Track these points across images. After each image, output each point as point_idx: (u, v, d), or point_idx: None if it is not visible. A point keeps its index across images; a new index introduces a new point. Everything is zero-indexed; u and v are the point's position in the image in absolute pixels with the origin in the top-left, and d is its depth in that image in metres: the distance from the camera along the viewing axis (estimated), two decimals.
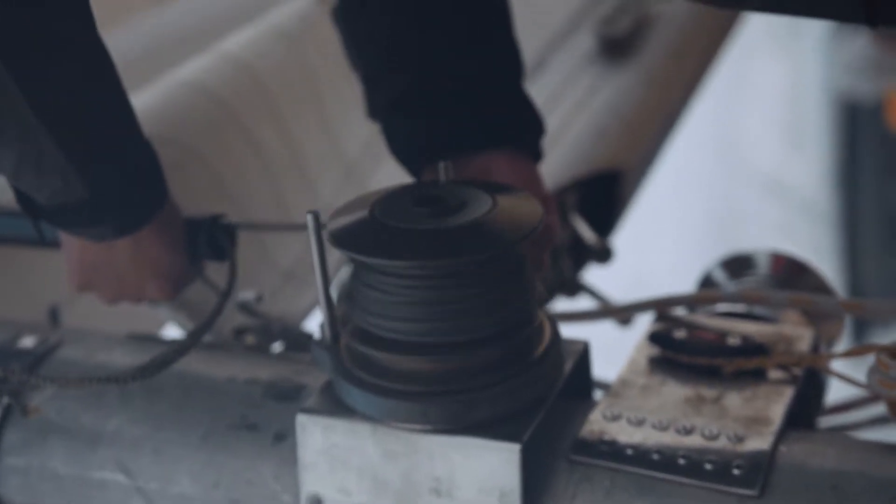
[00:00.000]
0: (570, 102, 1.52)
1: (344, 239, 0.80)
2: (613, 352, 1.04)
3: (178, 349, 0.90)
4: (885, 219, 3.13)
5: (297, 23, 1.40)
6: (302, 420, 0.83)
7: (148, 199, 0.90)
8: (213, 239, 0.97)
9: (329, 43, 1.29)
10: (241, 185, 1.25)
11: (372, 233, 0.80)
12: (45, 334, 1.00)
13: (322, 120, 1.39)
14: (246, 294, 1.05)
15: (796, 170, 3.34)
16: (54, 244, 0.96)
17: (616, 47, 1.65)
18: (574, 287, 1.24)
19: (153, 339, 1.02)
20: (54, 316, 1.12)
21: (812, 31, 3.20)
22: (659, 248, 3.05)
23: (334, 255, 0.92)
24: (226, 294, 0.95)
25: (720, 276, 1.09)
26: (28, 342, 0.97)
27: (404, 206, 0.82)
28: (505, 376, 0.80)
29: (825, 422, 1.08)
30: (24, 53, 0.79)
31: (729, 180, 3.41)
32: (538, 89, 1.51)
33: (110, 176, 0.86)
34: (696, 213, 3.32)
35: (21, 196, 0.88)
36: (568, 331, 0.90)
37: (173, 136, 1.19)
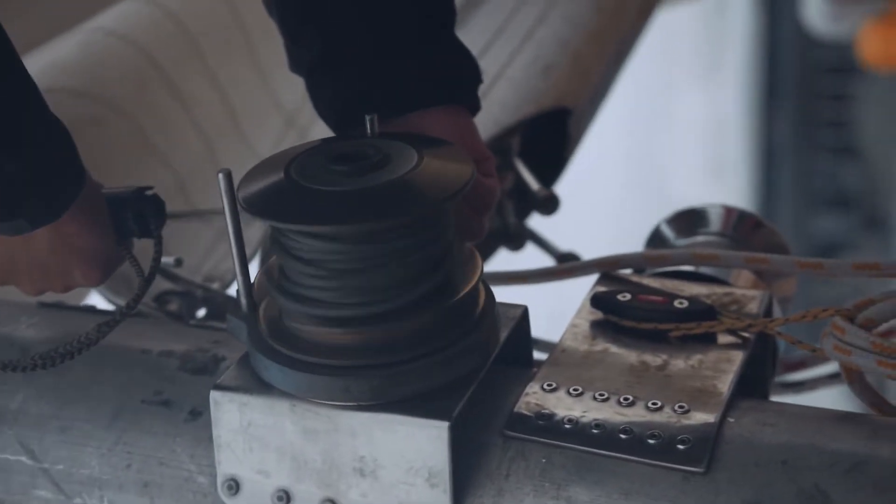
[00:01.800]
0: (513, 34, 1.44)
1: (254, 201, 0.74)
2: (559, 306, 0.99)
3: (86, 339, 0.83)
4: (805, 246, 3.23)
5: None
6: (216, 396, 0.77)
7: (63, 184, 0.80)
8: (139, 215, 0.87)
9: None
10: (168, 141, 1.18)
11: (285, 194, 0.74)
12: None
13: (256, 69, 1.32)
14: (166, 258, 0.98)
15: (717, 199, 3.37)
16: None
17: None
18: (518, 237, 1.18)
19: (64, 309, 0.95)
20: None
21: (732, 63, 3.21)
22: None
23: None
24: (150, 278, 0.86)
25: (669, 232, 1.04)
26: None
27: (322, 164, 0.75)
28: (433, 348, 0.74)
29: (778, 380, 1.04)
30: None
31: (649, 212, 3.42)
32: (477, 21, 1.43)
33: (15, 166, 0.76)
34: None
35: None
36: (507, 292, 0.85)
37: (91, 89, 1.12)
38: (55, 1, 1.23)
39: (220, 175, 0.75)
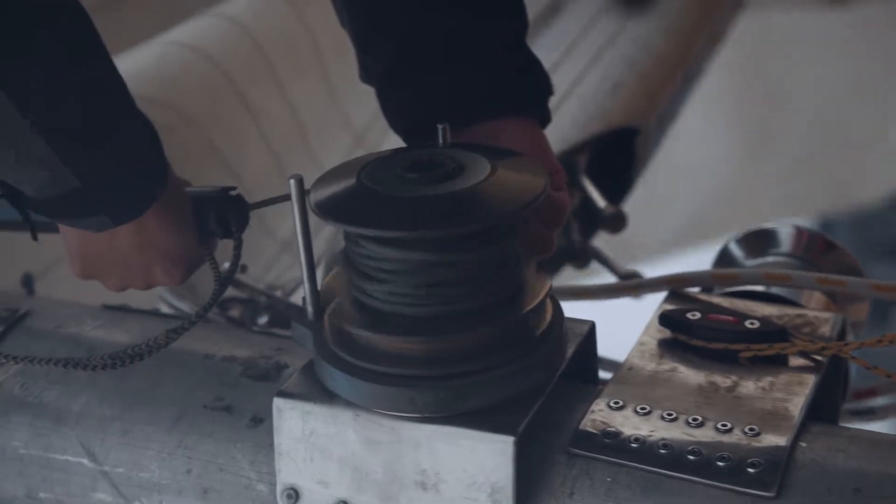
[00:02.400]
0: (583, 54, 1.44)
1: (326, 206, 0.73)
2: (622, 327, 0.97)
3: (155, 343, 0.82)
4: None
5: None
6: (279, 404, 0.76)
7: (147, 182, 0.80)
8: (222, 216, 0.85)
9: (331, 6, 1.22)
10: (235, 152, 1.18)
11: (357, 200, 0.73)
12: (14, 303, 0.93)
13: (326, 86, 1.32)
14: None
15: None
16: (51, 229, 0.87)
17: None
18: (584, 256, 1.16)
19: (128, 311, 0.95)
20: (28, 283, 1.06)
21: None
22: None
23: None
24: (226, 281, 0.85)
25: (738, 252, 1.02)
26: None
27: (395, 172, 0.74)
28: (500, 361, 0.73)
29: (847, 406, 1.01)
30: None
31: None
32: (549, 39, 1.43)
33: (102, 162, 0.77)
34: None
35: (7, 188, 0.79)
36: (572, 307, 0.83)
37: (164, 97, 1.13)
38: (136, 12, 1.24)
39: (292, 180, 0.74)
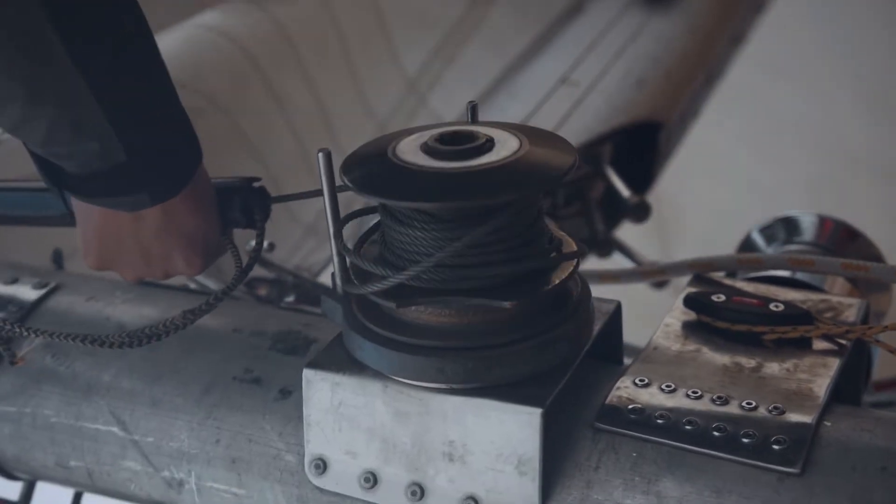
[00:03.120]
0: (606, 50, 1.45)
1: (356, 179, 0.74)
2: (646, 314, 0.98)
3: (173, 324, 0.82)
4: None
5: None
6: (308, 375, 0.77)
7: (187, 160, 0.81)
8: (246, 206, 0.86)
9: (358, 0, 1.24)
10: (262, 138, 1.20)
11: (387, 173, 0.74)
12: (45, 279, 0.94)
13: (351, 76, 1.34)
14: None
15: None
16: (65, 223, 0.88)
17: None
18: (607, 245, 1.17)
19: (157, 286, 0.96)
20: (57, 259, 1.07)
21: None
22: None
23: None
24: (247, 269, 0.85)
25: (762, 239, 1.03)
26: (24, 289, 0.91)
27: (426, 146, 0.75)
28: (528, 334, 0.74)
29: (870, 398, 1.02)
30: (70, 11, 0.73)
31: None
32: (572, 36, 1.44)
33: (149, 139, 0.78)
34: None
35: (46, 166, 0.80)
36: (598, 291, 0.84)
37: (192, 81, 1.14)
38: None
39: (320, 154, 0.75)
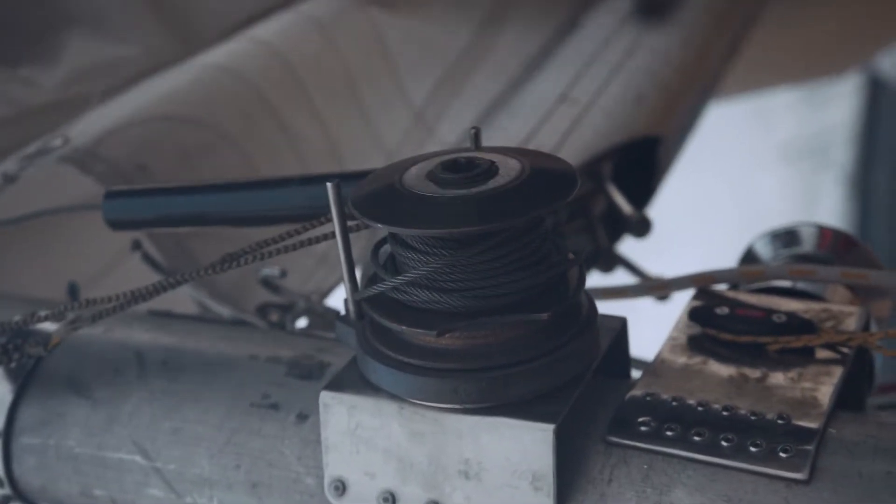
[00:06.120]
0: (604, 66, 1.47)
1: (364, 206, 0.76)
2: (648, 327, 1.00)
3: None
4: None
5: (330, 12, 1.37)
6: (325, 398, 0.79)
7: None
8: None
9: (363, 33, 1.26)
10: (274, 170, 1.22)
11: (396, 200, 0.76)
12: (62, 311, 0.96)
13: (358, 109, 1.36)
14: (270, 269, 1.01)
15: None
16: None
17: (653, 6, 1.59)
18: (610, 260, 1.19)
19: (173, 316, 0.98)
20: (73, 293, 1.09)
21: None
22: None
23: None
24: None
25: (763, 250, 1.05)
26: (43, 323, 0.93)
27: (431, 173, 0.77)
28: (539, 352, 0.76)
29: (873, 402, 1.03)
30: None
31: None
32: (570, 52, 1.46)
33: None
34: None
35: None
36: (603, 307, 0.86)
37: (203, 118, 1.16)
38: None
39: (329, 185, 0.77)
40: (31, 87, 1.13)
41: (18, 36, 1.08)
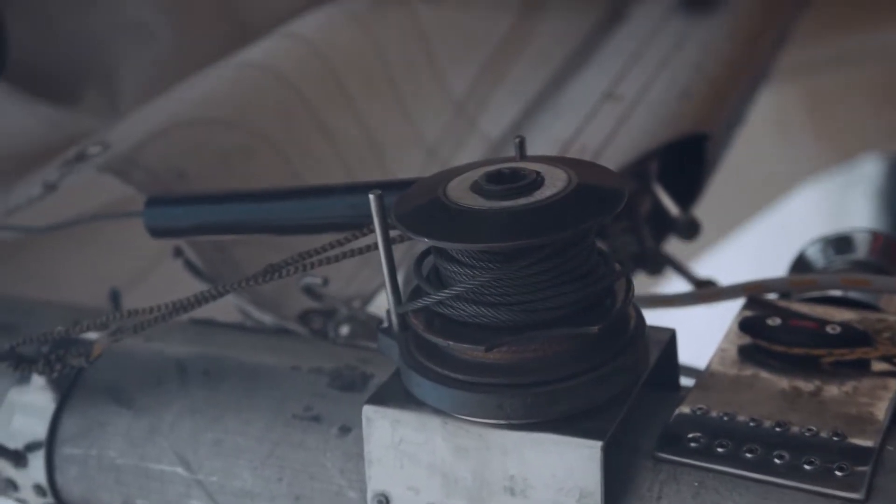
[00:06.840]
0: (650, 60, 1.44)
1: (409, 220, 0.74)
2: (694, 333, 0.98)
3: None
4: None
5: (367, 6, 1.36)
6: (368, 412, 0.78)
7: None
8: None
9: (401, 26, 1.24)
10: (313, 172, 1.20)
11: (440, 213, 0.74)
12: (104, 320, 0.96)
13: (398, 104, 1.34)
14: (312, 278, 1.00)
15: None
16: None
17: None
18: (657, 262, 1.17)
19: (214, 325, 0.97)
20: (115, 299, 1.08)
21: None
22: None
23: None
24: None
25: (814, 258, 1.02)
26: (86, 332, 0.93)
27: (474, 184, 0.76)
28: (586, 367, 0.74)
29: None
30: None
31: None
32: (612, 45, 1.43)
33: None
34: None
35: None
36: (651, 316, 0.84)
37: (241, 120, 1.15)
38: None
39: (371, 196, 0.76)
40: (91, 119, 1.14)
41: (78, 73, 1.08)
